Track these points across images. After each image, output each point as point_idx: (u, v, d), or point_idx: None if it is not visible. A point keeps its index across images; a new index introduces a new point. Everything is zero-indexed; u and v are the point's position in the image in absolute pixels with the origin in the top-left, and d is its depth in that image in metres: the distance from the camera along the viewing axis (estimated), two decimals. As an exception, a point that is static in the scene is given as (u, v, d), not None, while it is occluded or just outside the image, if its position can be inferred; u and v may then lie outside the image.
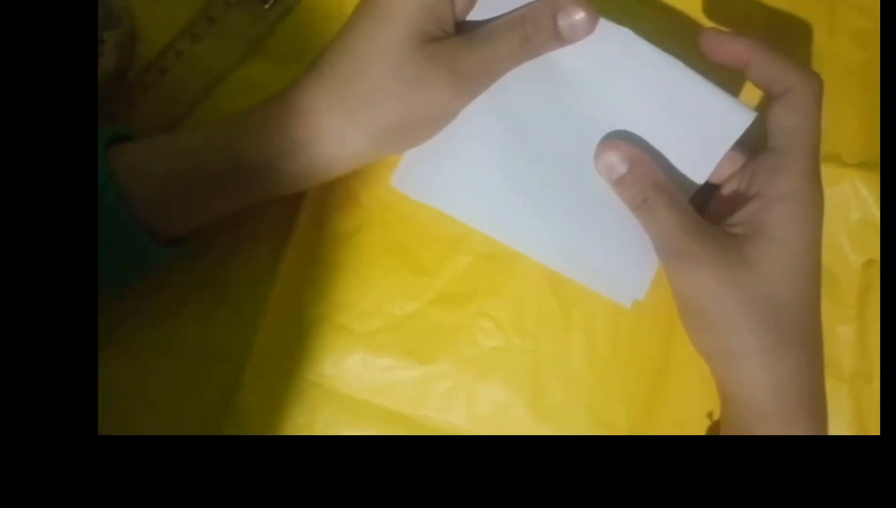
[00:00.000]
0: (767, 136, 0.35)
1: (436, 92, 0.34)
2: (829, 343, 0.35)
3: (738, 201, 0.35)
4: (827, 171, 0.37)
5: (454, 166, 0.37)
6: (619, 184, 0.36)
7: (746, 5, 0.41)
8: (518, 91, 0.36)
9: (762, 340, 0.33)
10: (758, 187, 0.34)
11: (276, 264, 0.39)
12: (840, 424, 0.38)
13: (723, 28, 0.39)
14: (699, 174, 0.36)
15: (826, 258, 0.35)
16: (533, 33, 0.35)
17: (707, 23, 0.41)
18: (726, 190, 0.36)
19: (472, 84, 0.35)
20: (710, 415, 0.38)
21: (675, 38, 0.37)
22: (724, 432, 0.35)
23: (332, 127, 0.34)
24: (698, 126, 0.35)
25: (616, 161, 0.35)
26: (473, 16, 0.36)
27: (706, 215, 0.35)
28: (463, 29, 0.36)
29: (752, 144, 0.35)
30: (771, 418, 0.33)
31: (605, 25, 0.35)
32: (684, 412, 0.38)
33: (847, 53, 0.41)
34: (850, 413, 0.38)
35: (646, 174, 0.35)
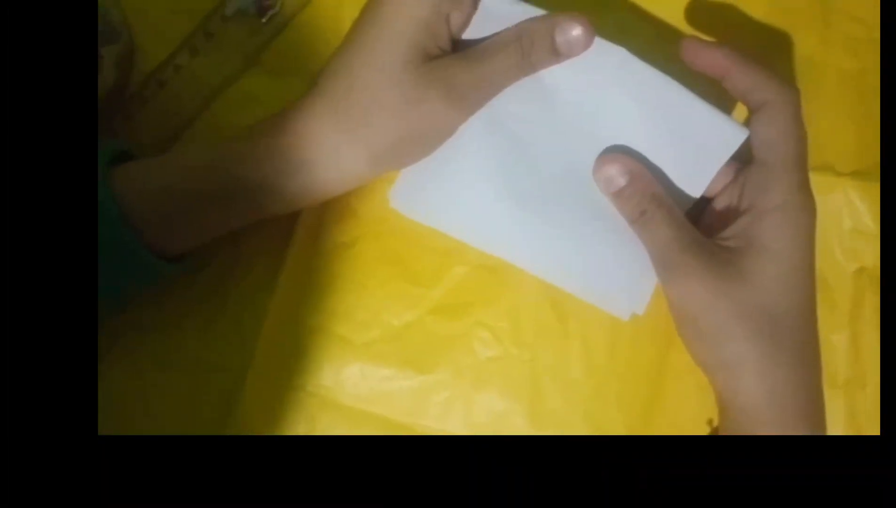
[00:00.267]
0: (752, 149, 0.35)
1: (434, 109, 0.34)
2: (823, 351, 0.35)
3: (731, 214, 0.36)
4: (820, 180, 0.38)
5: (451, 185, 0.37)
6: (618, 197, 0.36)
7: (739, 15, 0.42)
8: (514, 109, 0.37)
9: (758, 348, 0.33)
10: (749, 201, 0.35)
11: (274, 277, 0.39)
12: (835, 430, 0.38)
13: (707, 38, 0.39)
14: (693, 190, 0.37)
15: (819, 266, 0.36)
16: (530, 49, 0.35)
17: (700, 35, 0.41)
18: (719, 204, 0.37)
19: (469, 101, 0.35)
20: (709, 422, 0.38)
21: (669, 53, 0.37)
22: None
23: (332, 147, 0.34)
24: (692, 144, 0.36)
25: (615, 174, 0.36)
26: (470, 34, 0.36)
27: (700, 227, 0.36)
28: (459, 47, 0.36)
29: (743, 156, 0.36)
30: (769, 424, 0.33)
31: (600, 44, 0.36)
32: (681, 420, 0.38)
33: (840, 62, 0.41)
34: (845, 420, 0.38)
35: (644, 187, 0.35)
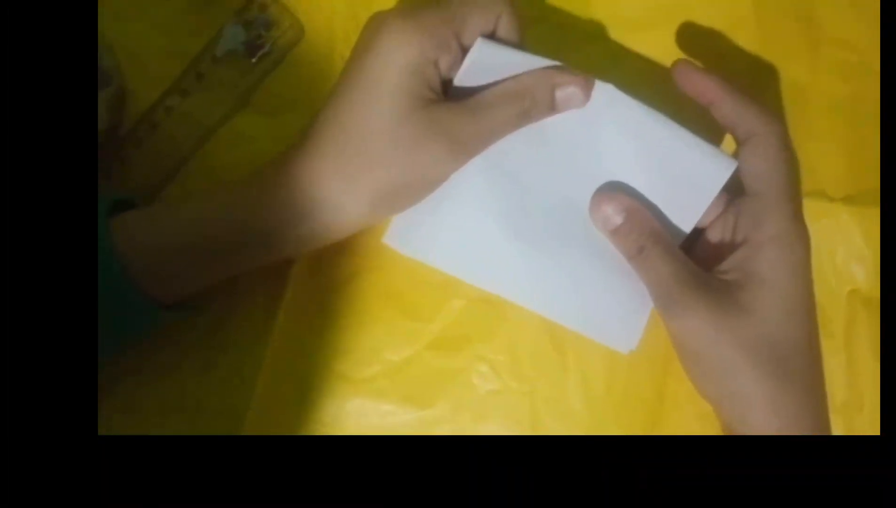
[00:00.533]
0: (743, 181, 0.35)
1: (434, 159, 0.34)
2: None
3: (726, 247, 0.36)
4: (812, 205, 0.38)
5: (445, 223, 0.37)
6: (616, 234, 0.36)
7: (728, 42, 0.42)
8: (506, 146, 0.36)
9: (766, 381, 0.33)
10: (744, 233, 0.35)
11: (272, 316, 0.39)
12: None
13: (697, 63, 0.39)
14: (686, 224, 0.37)
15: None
16: (532, 107, 0.35)
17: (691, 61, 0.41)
18: (713, 236, 0.37)
19: (469, 150, 0.35)
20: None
21: (660, 83, 0.38)
22: None
23: (332, 195, 0.34)
24: (683, 177, 0.36)
25: (612, 212, 0.36)
26: (464, 79, 0.36)
27: (695, 260, 0.36)
28: (451, 90, 0.36)
29: (732, 187, 0.36)
30: None
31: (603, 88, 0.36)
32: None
33: (830, 88, 0.41)
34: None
35: (642, 224, 0.36)
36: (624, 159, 0.37)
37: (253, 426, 0.37)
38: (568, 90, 0.35)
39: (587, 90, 0.36)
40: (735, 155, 0.36)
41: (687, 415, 0.38)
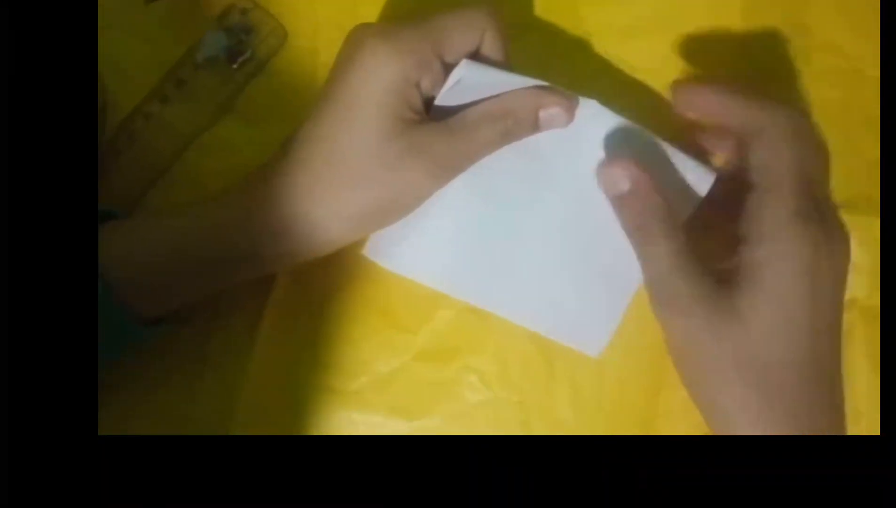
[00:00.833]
0: (751, 176, 0.34)
1: (416, 179, 0.34)
2: None
3: (729, 241, 0.35)
4: None
5: (424, 236, 0.37)
6: (620, 202, 0.35)
7: (719, 50, 0.41)
8: (488, 161, 0.36)
9: (752, 401, 0.32)
10: (745, 229, 0.34)
11: (256, 328, 0.39)
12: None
13: (687, 79, 0.40)
14: None
15: None
16: (514, 127, 0.35)
17: (671, 75, 0.41)
18: (719, 229, 0.36)
19: (451, 171, 0.35)
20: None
21: (646, 92, 0.39)
22: None
23: (314, 213, 0.34)
24: (665, 188, 0.36)
25: (619, 176, 0.35)
26: (446, 99, 0.36)
27: (698, 253, 0.34)
28: (434, 109, 0.36)
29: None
30: None
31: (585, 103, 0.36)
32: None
33: (822, 93, 0.40)
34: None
35: (646, 196, 0.35)
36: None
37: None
38: (551, 111, 0.35)
39: (571, 111, 0.35)
40: (719, 166, 0.36)
41: (677, 424, 0.38)
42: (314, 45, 0.41)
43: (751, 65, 0.41)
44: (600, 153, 0.36)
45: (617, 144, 0.36)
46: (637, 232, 0.35)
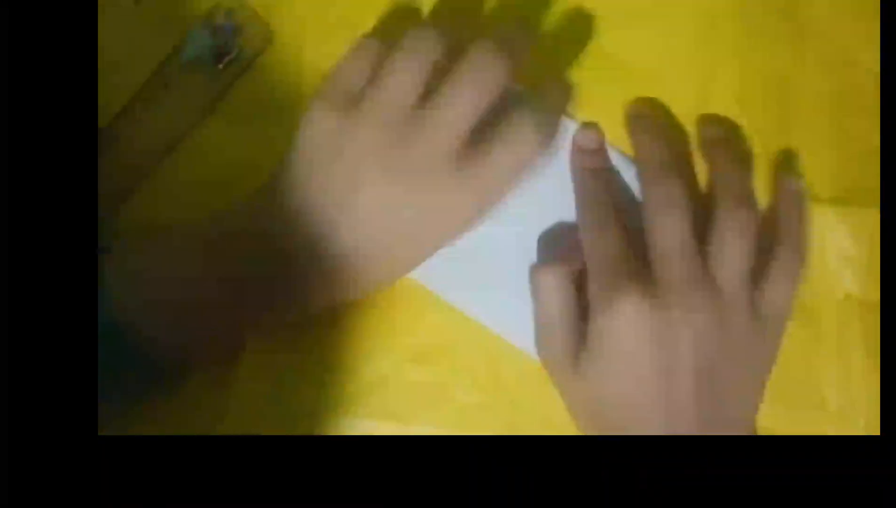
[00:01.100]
0: None
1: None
2: (813, 380, 0.35)
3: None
4: None
5: None
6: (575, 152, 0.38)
7: (711, 37, 0.41)
8: None
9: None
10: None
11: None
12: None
13: (680, 66, 0.40)
14: None
15: (804, 295, 0.36)
16: None
17: (663, 67, 0.40)
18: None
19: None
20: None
21: (631, 81, 0.39)
22: None
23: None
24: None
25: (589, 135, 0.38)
26: None
27: None
28: None
29: None
30: None
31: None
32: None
33: (815, 84, 0.40)
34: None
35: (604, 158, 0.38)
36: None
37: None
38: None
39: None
40: None
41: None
42: (300, 45, 0.41)
43: (743, 55, 0.40)
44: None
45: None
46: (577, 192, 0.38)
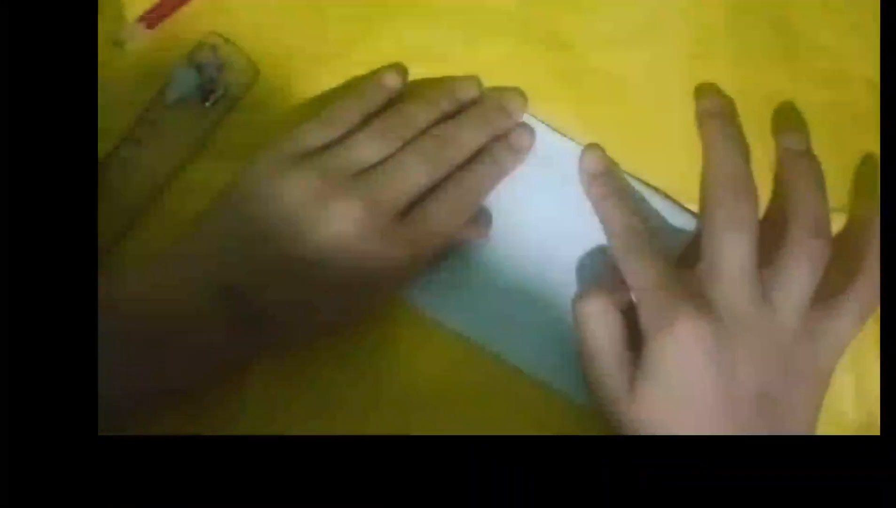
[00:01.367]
0: None
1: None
2: (830, 392, 0.35)
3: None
4: None
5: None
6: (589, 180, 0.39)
7: (701, 56, 0.41)
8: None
9: None
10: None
11: None
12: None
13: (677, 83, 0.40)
14: None
15: None
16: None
17: (655, 83, 0.41)
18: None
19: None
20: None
21: (626, 102, 0.39)
22: None
23: None
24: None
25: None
26: None
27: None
28: None
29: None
30: None
31: (557, 140, 0.39)
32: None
33: (809, 96, 0.40)
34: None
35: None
36: (592, 218, 0.38)
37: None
38: (466, 234, 0.38)
39: (483, 235, 0.39)
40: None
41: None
42: (287, 78, 0.41)
43: (737, 68, 0.40)
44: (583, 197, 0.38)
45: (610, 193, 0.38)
46: (599, 204, 0.38)
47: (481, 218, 0.38)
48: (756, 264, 0.34)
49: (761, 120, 0.39)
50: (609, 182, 0.38)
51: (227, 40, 0.41)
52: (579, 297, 0.36)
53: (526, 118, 0.39)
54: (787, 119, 0.39)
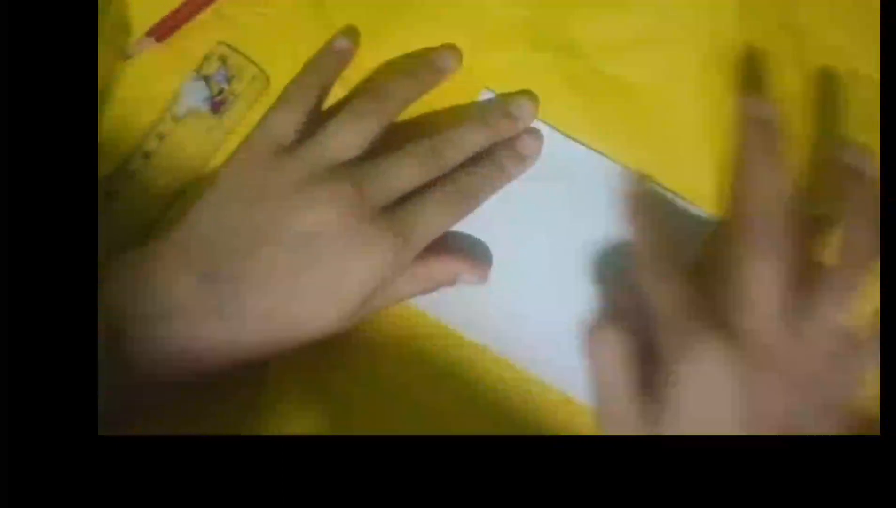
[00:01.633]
0: None
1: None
2: None
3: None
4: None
5: None
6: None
7: (712, 59, 0.40)
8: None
9: None
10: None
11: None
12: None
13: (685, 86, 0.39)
14: None
15: None
16: (432, 286, 0.38)
17: (667, 87, 0.40)
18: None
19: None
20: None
21: (635, 109, 0.39)
22: None
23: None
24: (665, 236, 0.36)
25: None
26: None
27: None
28: None
29: None
30: None
31: (572, 148, 0.38)
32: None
33: (819, 96, 0.40)
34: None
35: None
36: (604, 227, 0.38)
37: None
38: (466, 278, 0.38)
39: (483, 278, 0.38)
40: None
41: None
42: None
43: (746, 69, 0.40)
44: (603, 201, 0.38)
45: (633, 207, 0.37)
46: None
47: (481, 260, 0.38)
48: (788, 293, 0.32)
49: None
50: (642, 201, 0.37)
51: (235, 50, 0.41)
52: (592, 328, 0.34)
53: (537, 125, 0.39)
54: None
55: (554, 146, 0.39)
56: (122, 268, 0.35)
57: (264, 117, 0.37)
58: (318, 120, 0.37)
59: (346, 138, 0.36)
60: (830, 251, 0.35)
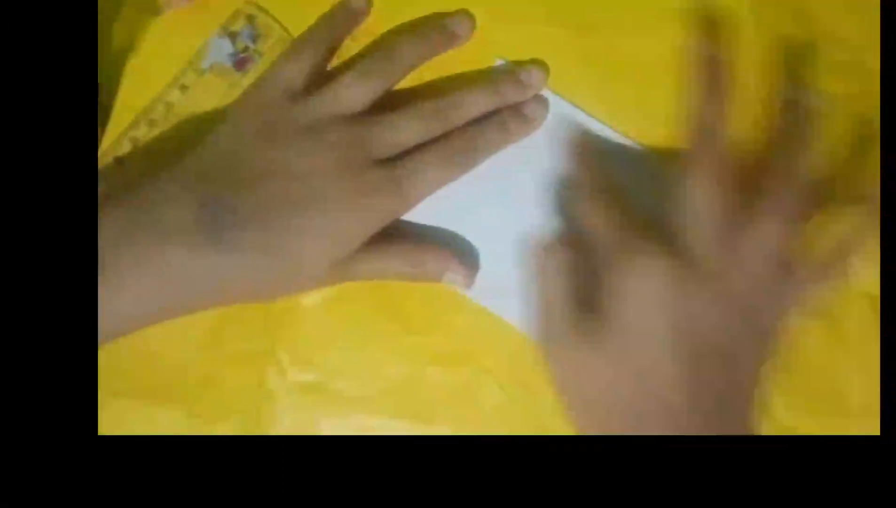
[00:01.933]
0: None
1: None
2: (835, 381, 0.35)
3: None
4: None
5: None
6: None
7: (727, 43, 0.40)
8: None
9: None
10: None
11: (262, 337, 0.39)
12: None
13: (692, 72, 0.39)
14: None
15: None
16: (421, 276, 0.38)
17: (675, 72, 0.39)
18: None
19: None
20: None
21: (645, 87, 0.39)
22: None
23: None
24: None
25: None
26: None
27: None
28: None
29: None
30: None
31: (578, 116, 0.39)
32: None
33: (829, 88, 0.39)
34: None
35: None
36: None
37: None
38: (454, 276, 0.38)
39: (470, 280, 0.38)
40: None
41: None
42: None
43: (755, 59, 0.40)
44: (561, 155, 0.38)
45: (579, 146, 0.38)
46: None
47: (468, 265, 0.38)
48: (727, 212, 0.34)
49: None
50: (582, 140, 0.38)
51: (263, 10, 0.41)
52: (535, 246, 0.36)
53: (546, 93, 0.39)
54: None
55: (560, 114, 0.39)
56: (126, 194, 0.35)
57: (274, 63, 0.38)
58: (327, 74, 0.38)
59: (352, 93, 0.36)
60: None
